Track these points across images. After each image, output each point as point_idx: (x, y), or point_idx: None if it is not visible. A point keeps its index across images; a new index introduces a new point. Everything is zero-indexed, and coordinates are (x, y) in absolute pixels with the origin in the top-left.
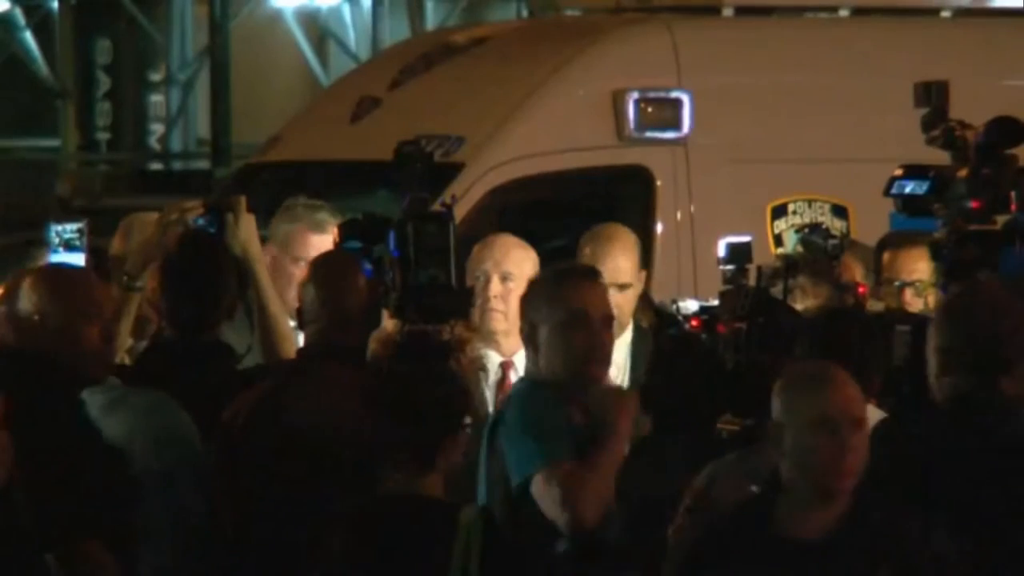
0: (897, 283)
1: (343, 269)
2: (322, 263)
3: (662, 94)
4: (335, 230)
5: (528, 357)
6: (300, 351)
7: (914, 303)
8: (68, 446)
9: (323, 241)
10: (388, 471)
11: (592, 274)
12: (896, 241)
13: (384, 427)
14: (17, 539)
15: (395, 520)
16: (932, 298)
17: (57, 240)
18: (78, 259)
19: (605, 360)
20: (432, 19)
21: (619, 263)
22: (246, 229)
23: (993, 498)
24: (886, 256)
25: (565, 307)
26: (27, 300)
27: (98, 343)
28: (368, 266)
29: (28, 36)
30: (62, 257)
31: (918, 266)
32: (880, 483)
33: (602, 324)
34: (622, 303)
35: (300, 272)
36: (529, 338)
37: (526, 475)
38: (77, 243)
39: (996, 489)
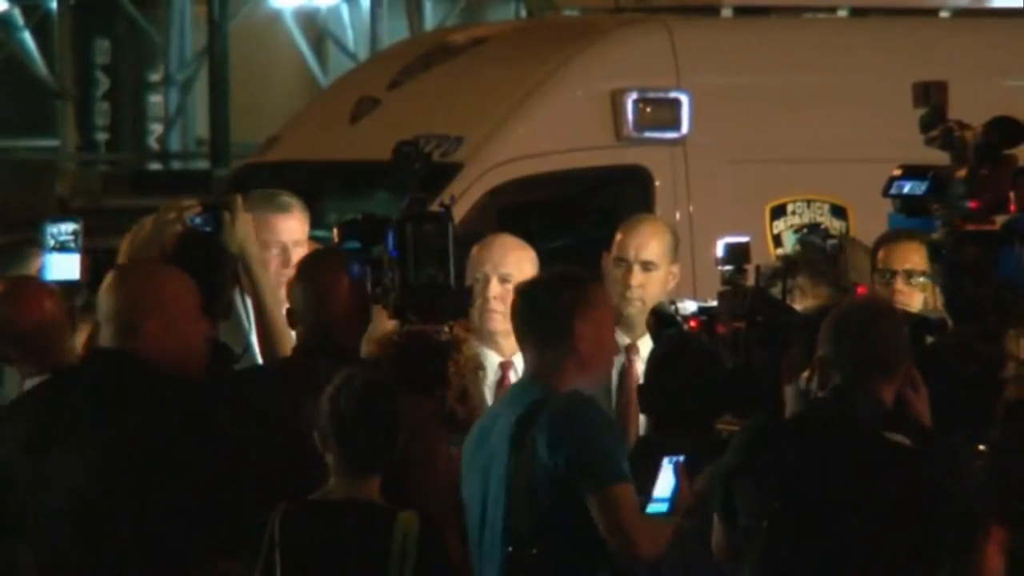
0: (888, 273)
1: (326, 268)
2: (307, 263)
3: (661, 94)
4: (298, 213)
5: None
6: (293, 350)
7: (908, 292)
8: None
9: (287, 221)
10: (329, 473)
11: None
12: (890, 236)
13: (325, 431)
14: None
15: (333, 523)
16: (929, 294)
17: (52, 241)
18: (72, 260)
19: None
20: (431, 19)
21: (644, 241)
22: (243, 228)
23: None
24: (881, 253)
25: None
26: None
27: (200, 341)
28: (356, 265)
29: (27, 36)
30: (55, 258)
31: (911, 257)
32: None
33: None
34: (645, 283)
35: (274, 258)
36: None
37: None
38: (71, 244)
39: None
